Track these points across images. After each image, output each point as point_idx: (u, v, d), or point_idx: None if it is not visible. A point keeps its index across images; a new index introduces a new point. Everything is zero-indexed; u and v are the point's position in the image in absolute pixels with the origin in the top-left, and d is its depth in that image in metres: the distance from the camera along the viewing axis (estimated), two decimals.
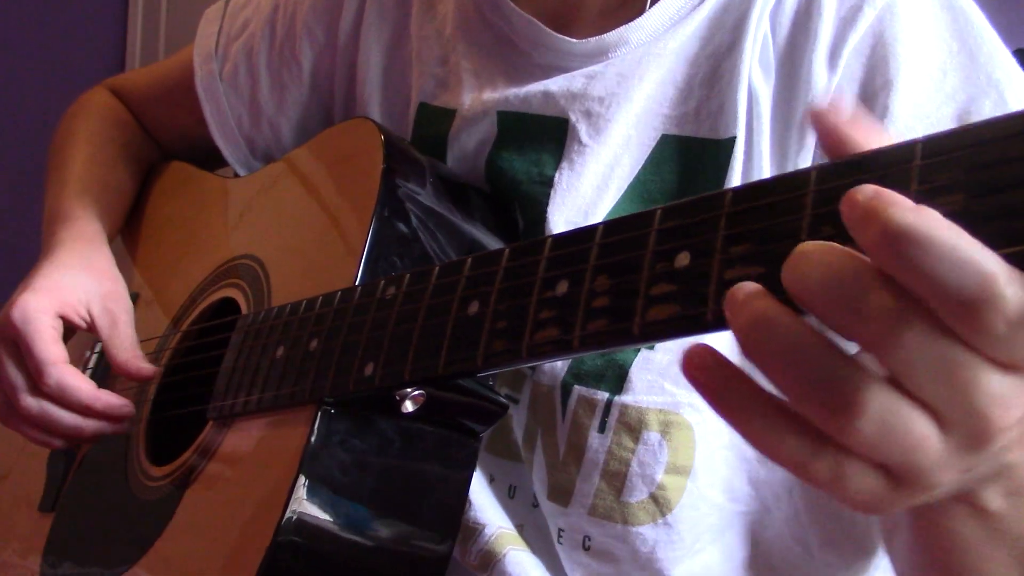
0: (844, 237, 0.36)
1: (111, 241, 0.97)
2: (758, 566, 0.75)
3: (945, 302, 0.32)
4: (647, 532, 0.72)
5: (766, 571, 0.75)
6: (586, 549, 0.74)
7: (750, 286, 0.36)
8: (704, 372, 0.37)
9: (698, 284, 0.40)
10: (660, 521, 0.71)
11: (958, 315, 0.32)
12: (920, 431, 0.35)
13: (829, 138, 0.39)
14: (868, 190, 0.33)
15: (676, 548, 0.72)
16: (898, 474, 0.36)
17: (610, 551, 0.74)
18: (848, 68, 0.68)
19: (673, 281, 0.41)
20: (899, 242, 0.32)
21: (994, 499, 0.45)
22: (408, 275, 0.58)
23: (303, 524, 0.60)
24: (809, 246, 0.34)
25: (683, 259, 0.42)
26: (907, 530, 0.55)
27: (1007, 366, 0.34)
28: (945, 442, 0.35)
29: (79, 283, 0.86)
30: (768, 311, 0.35)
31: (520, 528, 0.76)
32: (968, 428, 0.35)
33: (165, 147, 1.09)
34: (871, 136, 0.39)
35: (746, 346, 0.35)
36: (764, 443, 0.36)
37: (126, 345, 0.84)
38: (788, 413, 0.36)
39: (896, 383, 0.34)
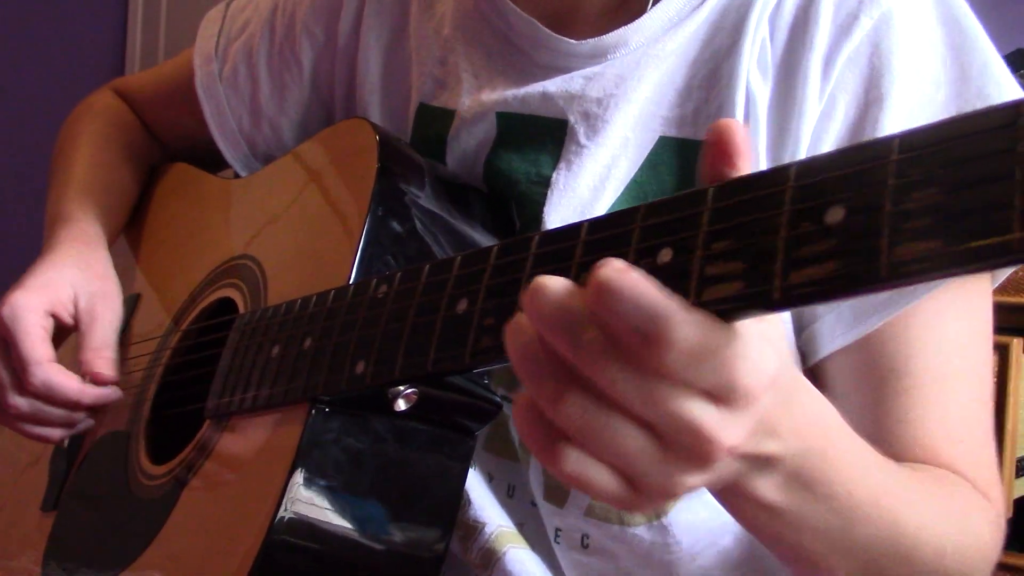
0: (823, 232, 0.37)
1: (113, 241, 0.98)
2: (752, 568, 0.76)
3: (629, 339, 0.39)
4: (643, 533, 0.72)
5: (759, 573, 0.76)
6: (584, 548, 0.74)
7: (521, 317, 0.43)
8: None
9: (679, 281, 0.40)
10: (655, 523, 0.72)
11: (639, 349, 0.39)
12: (623, 440, 0.41)
13: (716, 156, 0.43)
14: (603, 260, 0.39)
15: (672, 550, 0.72)
16: (629, 480, 0.42)
17: (608, 550, 0.74)
18: (842, 77, 0.68)
19: (655, 278, 0.42)
20: (600, 291, 0.38)
21: (768, 492, 0.49)
22: (399, 273, 0.58)
23: (296, 522, 0.60)
24: (547, 281, 0.41)
25: (665, 256, 0.42)
26: None
27: (709, 395, 0.40)
28: (662, 455, 0.41)
29: (69, 280, 0.87)
30: (520, 322, 0.42)
31: (520, 526, 0.76)
32: (682, 446, 0.41)
33: (168, 148, 1.10)
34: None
35: (506, 339, 0.43)
36: (522, 431, 0.43)
37: (95, 344, 0.84)
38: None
39: (615, 402, 0.41)
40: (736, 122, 0.44)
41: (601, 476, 0.42)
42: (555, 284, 0.41)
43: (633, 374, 0.40)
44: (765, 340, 0.41)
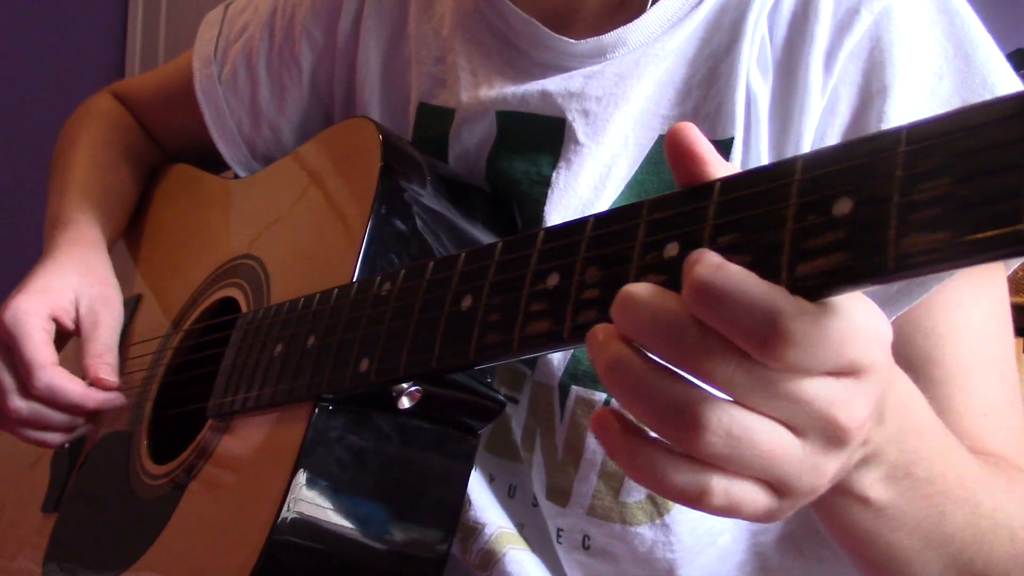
0: (831, 224, 0.37)
1: (113, 245, 0.98)
2: (754, 567, 0.75)
3: (742, 340, 0.37)
4: (645, 532, 0.72)
5: (761, 572, 0.76)
6: (586, 548, 0.74)
7: (604, 330, 0.40)
8: (602, 428, 0.41)
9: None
10: (658, 522, 0.72)
11: (753, 349, 0.37)
12: (771, 442, 0.39)
13: (679, 159, 0.43)
14: (696, 252, 0.38)
15: (674, 549, 0.72)
16: (775, 485, 0.40)
17: (609, 550, 0.74)
18: (844, 71, 0.68)
19: (663, 272, 0.41)
20: (701, 295, 0.37)
21: (873, 487, 0.48)
22: (403, 271, 0.58)
23: (299, 521, 0.60)
24: (636, 290, 0.39)
25: (672, 250, 0.42)
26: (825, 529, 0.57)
27: (831, 374, 0.38)
28: (804, 448, 0.39)
29: (71, 285, 0.87)
30: (618, 353, 0.39)
31: (520, 527, 0.76)
32: (820, 431, 0.39)
33: (168, 150, 1.10)
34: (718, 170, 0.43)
35: (606, 383, 0.40)
36: (659, 484, 0.40)
37: (98, 350, 0.84)
38: (671, 453, 0.40)
39: (741, 404, 0.39)
40: (686, 124, 0.43)
41: (753, 493, 0.40)
42: (644, 292, 0.39)
43: (750, 371, 0.38)
44: (868, 306, 0.40)
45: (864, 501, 0.49)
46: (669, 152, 0.43)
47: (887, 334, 0.40)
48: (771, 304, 0.36)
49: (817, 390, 0.38)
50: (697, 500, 0.39)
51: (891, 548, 0.53)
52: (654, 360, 0.39)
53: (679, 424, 0.38)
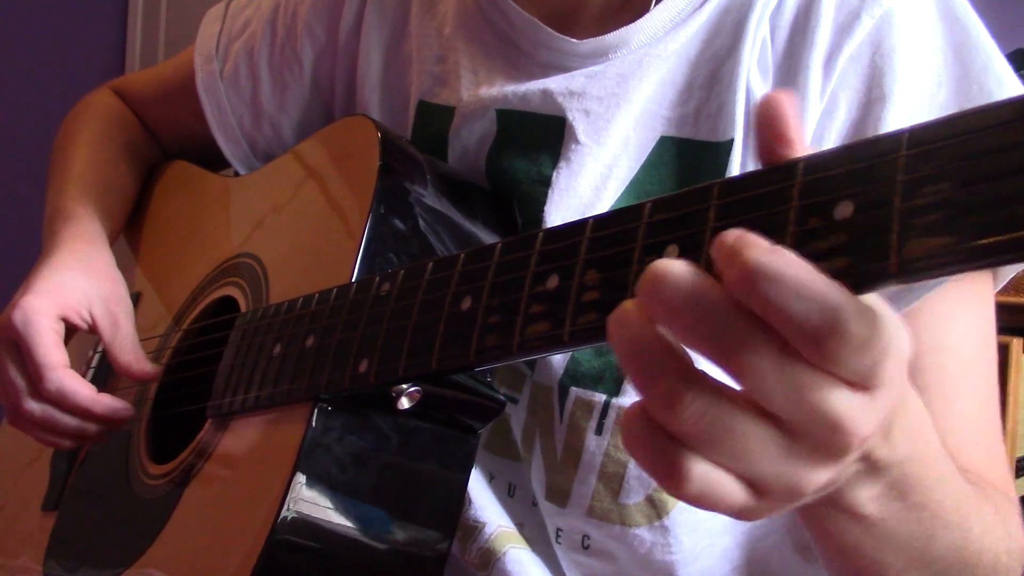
0: (832, 228, 0.36)
1: (113, 240, 0.98)
2: (754, 570, 0.75)
3: (793, 332, 0.35)
4: (644, 534, 0.72)
5: (761, 574, 0.76)
6: (585, 549, 0.74)
7: (628, 304, 0.38)
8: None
9: None
10: (656, 524, 0.71)
11: (805, 344, 0.35)
12: (758, 441, 0.37)
13: (767, 131, 0.41)
14: (734, 233, 0.35)
15: (673, 550, 0.72)
16: (752, 483, 0.39)
17: (608, 551, 0.74)
18: (844, 75, 0.68)
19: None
20: (754, 278, 0.34)
21: (867, 504, 0.47)
22: (402, 271, 0.58)
23: (299, 521, 0.60)
24: (669, 266, 0.36)
25: (672, 252, 0.41)
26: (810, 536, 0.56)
27: (853, 384, 0.37)
28: (790, 451, 0.38)
29: (80, 284, 0.86)
30: (627, 311, 0.38)
31: (520, 527, 0.76)
32: (817, 439, 0.38)
33: (167, 147, 1.10)
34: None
35: (608, 331, 0.38)
36: (637, 452, 0.39)
37: (128, 347, 0.84)
38: (657, 426, 0.38)
39: (746, 395, 0.37)
40: (782, 97, 0.41)
41: (729, 487, 0.38)
42: (681, 270, 0.36)
43: (783, 368, 0.36)
44: (896, 320, 0.38)
45: (855, 516, 0.47)
46: (756, 121, 0.41)
47: (907, 350, 0.38)
48: (834, 297, 0.34)
49: (833, 398, 0.37)
50: (670, 480, 0.38)
51: (874, 563, 0.52)
52: (649, 324, 0.37)
53: (657, 391, 0.37)
